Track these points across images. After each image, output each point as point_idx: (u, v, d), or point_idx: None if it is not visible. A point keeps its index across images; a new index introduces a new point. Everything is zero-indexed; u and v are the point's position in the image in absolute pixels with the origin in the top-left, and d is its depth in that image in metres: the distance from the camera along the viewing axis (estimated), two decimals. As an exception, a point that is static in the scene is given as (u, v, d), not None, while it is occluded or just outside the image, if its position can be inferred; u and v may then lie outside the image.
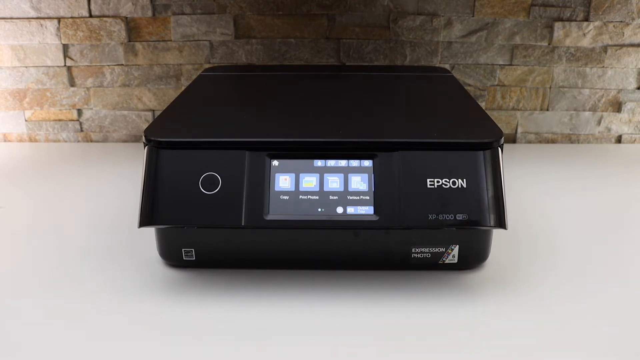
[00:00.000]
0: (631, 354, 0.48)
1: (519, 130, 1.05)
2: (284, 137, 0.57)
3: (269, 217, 0.54)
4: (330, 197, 0.55)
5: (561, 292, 0.57)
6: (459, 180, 0.54)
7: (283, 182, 0.55)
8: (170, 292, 0.57)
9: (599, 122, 1.04)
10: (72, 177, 0.89)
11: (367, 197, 0.55)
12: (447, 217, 0.53)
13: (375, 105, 0.71)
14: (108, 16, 0.98)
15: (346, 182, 0.55)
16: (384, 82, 0.81)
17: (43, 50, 1.00)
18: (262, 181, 0.55)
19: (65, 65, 1.01)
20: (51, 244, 0.67)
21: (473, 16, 0.97)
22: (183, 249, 0.59)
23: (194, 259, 0.59)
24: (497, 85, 1.02)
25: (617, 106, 1.02)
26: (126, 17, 0.98)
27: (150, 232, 0.60)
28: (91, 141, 1.07)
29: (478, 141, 0.56)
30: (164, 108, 0.68)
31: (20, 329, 0.51)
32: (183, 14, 0.98)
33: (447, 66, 1.00)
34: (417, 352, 0.48)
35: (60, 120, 1.05)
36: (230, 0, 0.97)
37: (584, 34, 0.98)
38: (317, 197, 0.55)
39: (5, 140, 1.07)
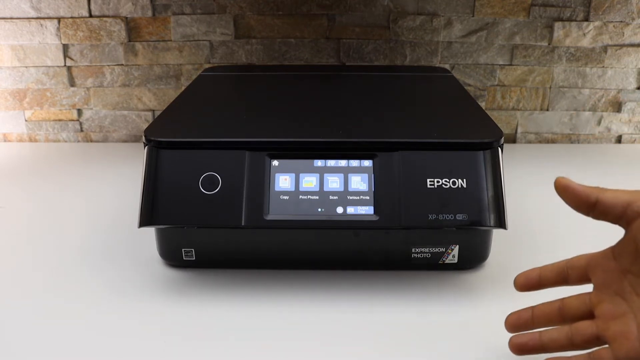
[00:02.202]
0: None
1: (519, 130, 1.05)
2: (284, 137, 0.57)
3: (269, 217, 0.54)
4: (330, 197, 0.55)
5: (561, 292, 0.57)
6: (459, 180, 0.54)
7: (283, 182, 0.55)
8: (170, 292, 0.57)
9: (599, 122, 1.04)
10: (72, 177, 0.89)
11: (367, 197, 0.55)
12: (447, 217, 0.53)
13: (375, 105, 0.70)
14: (108, 16, 0.98)
15: (346, 182, 0.55)
16: (384, 82, 0.81)
17: (43, 50, 1.00)
18: (262, 181, 0.55)
19: (65, 65, 1.01)
20: (51, 244, 0.67)
21: (473, 16, 0.97)
22: (183, 249, 0.59)
23: (194, 259, 0.59)
24: (497, 85, 1.02)
25: (617, 106, 1.02)
26: (126, 17, 0.98)
27: (150, 232, 0.60)
28: (91, 141, 1.07)
29: (478, 141, 0.56)
30: (164, 108, 0.68)
31: (20, 329, 0.51)
32: (183, 14, 0.98)
33: (447, 66, 1.00)
34: (417, 352, 0.48)
35: (60, 120, 1.05)
36: (230, 0, 0.97)
37: (584, 34, 0.98)
38: (317, 197, 0.55)
39: (5, 140, 1.07)
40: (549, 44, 0.98)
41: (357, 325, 0.52)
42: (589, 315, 0.41)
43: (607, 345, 0.39)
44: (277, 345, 0.49)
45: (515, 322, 0.44)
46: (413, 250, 0.58)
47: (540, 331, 0.43)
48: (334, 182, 0.56)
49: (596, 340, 0.40)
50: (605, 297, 0.40)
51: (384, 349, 0.48)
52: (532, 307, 0.44)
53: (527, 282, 0.44)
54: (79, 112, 1.05)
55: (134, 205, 0.56)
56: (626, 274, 0.40)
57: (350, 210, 0.55)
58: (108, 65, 1.01)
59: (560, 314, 0.42)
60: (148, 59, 1.01)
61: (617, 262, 0.40)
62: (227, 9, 0.98)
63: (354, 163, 0.56)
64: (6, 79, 1.02)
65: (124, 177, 0.88)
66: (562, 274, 0.43)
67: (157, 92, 1.03)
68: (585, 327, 0.40)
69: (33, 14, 0.98)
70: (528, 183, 0.85)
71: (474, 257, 0.60)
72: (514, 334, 0.44)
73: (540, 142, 1.05)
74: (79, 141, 1.07)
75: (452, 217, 0.53)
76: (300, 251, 0.59)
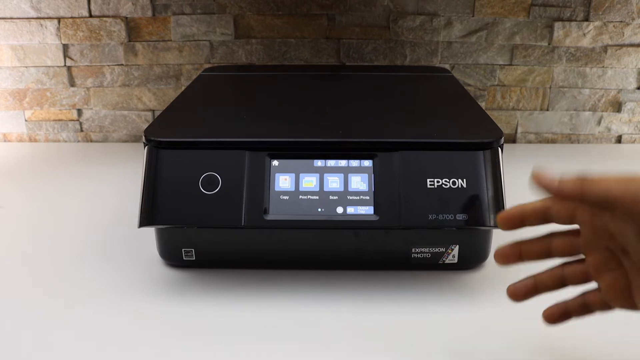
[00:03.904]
0: (628, 352, 0.48)
1: (519, 130, 1.05)
2: (284, 137, 0.57)
3: (269, 217, 0.54)
4: (330, 197, 0.55)
5: (560, 292, 0.57)
6: (459, 180, 0.54)
7: (283, 182, 0.55)
8: (170, 292, 0.57)
9: (599, 122, 1.04)
10: (72, 177, 0.89)
11: (367, 197, 0.55)
12: (447, 217, 0.53)
13: (375, 105, 0.71)
14: (108, 16, 0.98)
15: (346, 182, 0.55)
16: (383, 82, 0.81)
17: (43, 50, 1.00)
18: (262, 181, 0.55)
19: (65, 65, 1.01)
20: (51, 244, 0.67)
21: (473, 16, 0.97)
22: (183, 249, 0.59)
23: (194, 259, 0.59)
24: (497, 85, 1.02)
25: (617, 106, 1.02)
26: (126, 17, 0.98)
27: (150, 232, 0.60)
28: (91, 141, 1.07)
29: (478, 141, 0.56)
30: (164, 108, 0.68)
31: (20, 329, 0.51)
32: (183, 14, 0.98)
33: (447, 66, 1.00)
34: (417, 352, 0.48)
35: (60, 120, 1.05)
36: (230, 0, 0.97)
37: (584, 34, 0.98)
38: (317, 197, 0.55)
39: (5, 140, 1.07)
40: (549, 44, 0.98)
41: (356, 326, 0.52)
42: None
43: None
44: (277, 346, 0.49)
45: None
46: (413, 250, 0.58)
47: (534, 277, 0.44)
48: (334, 182, 0.56)
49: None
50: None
51: (384, 349, 0.48)
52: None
53: (509, 217, 0.46)
54: (79, 112, 1.05)
55: (134, 205, 0.56)
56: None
57: (350, 210, 0.55)
58: (108, 65, 1.01)
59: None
60: (148, 59, 1.01)
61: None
62: (227, 9, 0.98)
63: (354, 163, 0.56)
64: (6, 79, 1.02)
65: (124, 177, 0.88)
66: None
67: (157, 92, 1.03)
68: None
69: (33, 14, 0.98)
70: (528, 183, 0.85)
71: (474, 257, 0.60)
72: (511, 284, 0.45)
73: (540, 142, 1.05)
74: (79, 141, 1.07)
75: (452, 217, 0.53)
76: (300, 251, 0.59)
